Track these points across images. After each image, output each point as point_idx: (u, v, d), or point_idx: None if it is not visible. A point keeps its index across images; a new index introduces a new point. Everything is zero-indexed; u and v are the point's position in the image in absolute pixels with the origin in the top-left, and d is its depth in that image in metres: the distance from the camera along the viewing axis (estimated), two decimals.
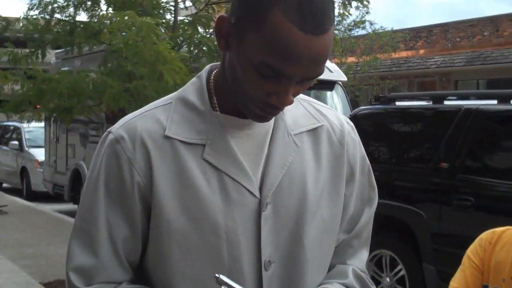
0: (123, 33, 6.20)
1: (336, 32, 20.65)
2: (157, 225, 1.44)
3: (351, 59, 22.27)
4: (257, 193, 1.46)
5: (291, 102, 1.38)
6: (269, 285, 1.47)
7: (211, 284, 1.39)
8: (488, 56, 20.91)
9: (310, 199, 1.51)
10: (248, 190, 1.46)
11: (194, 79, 1.55)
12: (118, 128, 1.49)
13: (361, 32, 22.31)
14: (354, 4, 8.18)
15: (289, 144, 1.52)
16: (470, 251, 2.33)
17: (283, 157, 1.50)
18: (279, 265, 1.48)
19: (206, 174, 1.44)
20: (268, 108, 1.39)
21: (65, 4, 7.63)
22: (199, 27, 6.94)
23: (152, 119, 1.49)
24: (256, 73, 1.34)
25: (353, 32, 22.29)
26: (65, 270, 1.49)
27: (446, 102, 6.38)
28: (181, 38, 7.18)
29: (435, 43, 23.79)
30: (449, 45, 23.24)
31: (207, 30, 7.13)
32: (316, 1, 1.30)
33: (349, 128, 1.64)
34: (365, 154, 1.68)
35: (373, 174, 1.69)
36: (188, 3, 8.26)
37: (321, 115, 1.61)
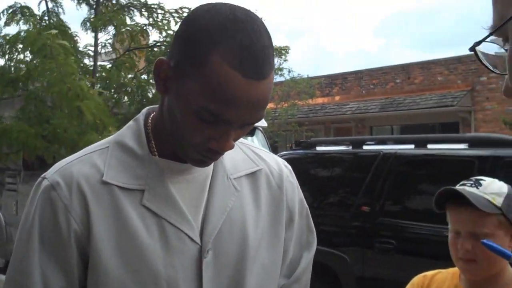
0: (46, 73, 6.11)
1: None
2: (94, 274, 1.38)
3: (269, 106, 22.52)
4: (197, 240, 1.43)
5: (231, 147, 1.36)
6: None
7: None
8: (401, 103, 21.52)
9: (251, 244, 1.49)
10: (189, 237, 1.42)
11: (130, 122, 1.51)
12: (53, 173, 1.44)
13: (279, 79, 22.69)
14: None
15: (228, 189, 1.50)
16: None
17: (223, 202, 1.48)
18: None
19: (145, 220, 1.40)
20: (208, 153, 1.38)
21: None
22: (122, 72, 6.93)
23: (88, 164, 1.44)
24: (196, 118, 1.31)
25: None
26: None
27: (365, 147, 6.52)
28: (101, 83, 7.15)
29: (350, 90, 24.36)
30: (363, 91, 23.83)
31: (128, 74, 7.12)
32: (257, 46, 1.28)
33: (287, 172, 1.63)
34: (303, 198, 1.67)
35: (311, 218, 1.69)
36: (108, 49, 8.25)
37: (260, 159, 1.61)
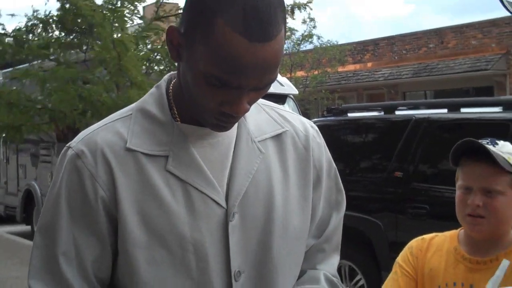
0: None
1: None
2: (123, 238, 1.40)
3: (300, 73, 22.43)
4: (223, 203, 1.44)
5: (246, 110, 1.35)
6: None
7: None
8: (434, 68, 21.28)
9: (277, 206, 1.49)
10: (214, 201, 1.43)
11: (153, 89, 1.52)
12: (78, 142, 1.45)
13: (308, 46, 22.54)
14: (300, 16, 8.34)
15: (253, 152, 1.50)
16: (401, 259, 2.32)
17: (248, 165, 1.48)
18: (249, 275, 1.45)
19: (170, 186, 1.41)
20: (223, 117, 1.37)
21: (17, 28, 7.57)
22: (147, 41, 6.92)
23: (112, 132, 1.45)
24: (207, 84, 1.31)
25: (301, 46, 22.51)
26: None
27: (397, 112, 6.47)
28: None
29: (382, 56, 24.13)
30: (396, 57, 23.59)
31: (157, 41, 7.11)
32: (261, 8, 1.26)
33: (314, 132, 1.62)
34: (331, 158, 1.66)
35: (339, 178, 1.68)
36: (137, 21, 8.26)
37: (285, 120, 1.60)
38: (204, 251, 1.41)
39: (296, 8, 9.14)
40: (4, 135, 8.15)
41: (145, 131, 1.45)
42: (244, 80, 1.29)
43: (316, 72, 22.20)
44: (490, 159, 2.10)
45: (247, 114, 1.48)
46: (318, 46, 22.27)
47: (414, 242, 2.35)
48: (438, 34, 22.46)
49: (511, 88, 19.73)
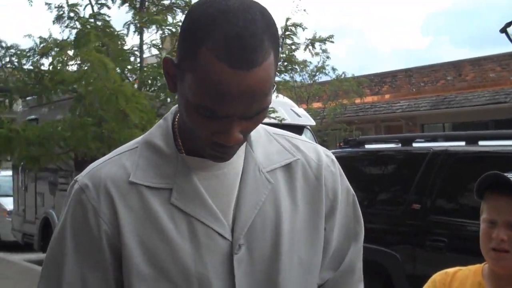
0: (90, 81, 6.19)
1: (299, 78, 20.96)
2: (128, 272, 1.39)
3: (316, 105, 22.46)
4: (228, 236, 1.41)
5: (239, 140, 1.33)
6: None
7: None
8: (452, 100, 21.22)
9: (285, 238, 1.45)
10: (219, 233, 1.41)
11: (160, 121, 1.52)
12: (84, 176, 1.46)
13: (324, 78, 22.57)
14: (316, 49, 8.35)
15: (261, 182, 1.47)
16: None
17: (255, 196, 1.45)
18: None
19: (174, 219, 1.40)
20: (216, 147, 1.36)
21: (30, 53, 7.62)
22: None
23: (117, 166, 1.45)
24: (197, 114, 1.31)
25: (316, 78, 22.56)
26: None
27: (414, 144, 6.47)
28: (149, 80, 7.17)
29: (400, 88, 24.13)
30: (414, 89, 23.58)
31: None
32: (244, 35, 1.24)
33: (328, 161, 1.58)
34: (349, 186, 1.63)
35: (358, 207, 1.64)
36: (154, 51, 8.30)
37: (297, 149, 1.56)
38: (209, 285, 1.39)
39: (317, 43, 9.21)
40: (22, 163, 8.19)
41: (149, 164, 1.44)
42: (231, 108, 1.27)
43: (333, 104, 22.21)
44: None
45: (255, 144, 1.48)
46: (335, 78, 22.31)
47: (437, 276, 2.32)
48: (456, 66, 22.44)
49: None
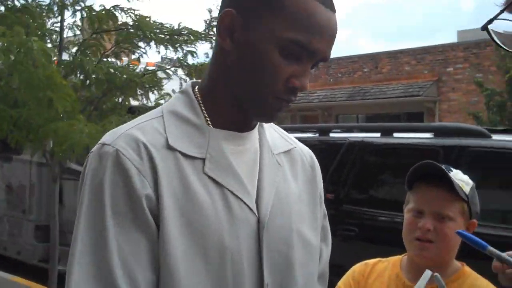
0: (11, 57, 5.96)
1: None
2: (163, 245, 1.30)
3: None
4: (255, 211, 1.40)
5: (307, 87, 1.36)
6: None
7: None
8: (368, 92, 21.62)
9: (296, 220, 1.47)
10: (249, 207, 1.39)
11: (178, 94, 1.48)
12: (116, 139, 1.34)
13: None
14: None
15: (274, 163, 1.49)
16: (342, 283, 2.31)
17: (272, 176, 1.46)
18: None
19: (208, 189, 1.36)
20: (286, 95, 1.36)
21: None
22: (87, 58, 6.75)
23: (150, 130, 1.37)
24: (278, 56, 1.32)
25: None
26: None
27: (331, 135, 6.53)
28: (72, 66, 6.99)
29: (318, 78, 24.40)
30: (331, 80, 23.89)
31: (95, 58, 6.97)
32: None
33: (314, 156, 1.64)
34: None
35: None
36: (77, 32, 8.07)
37: (291, 140, 1.61)
38: (240, 261, 1.36)
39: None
40: None
41: (181, 132, 1.39)
42: (321, 45, 1.33)
43: None
44: (445, 185, 2.12)
45: (264, 127, 1.51)
46: None
47: (357, 267, 2.33)
48: (373, 58, 22.84)
49: (440, 115, 20.19)
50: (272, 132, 1.56)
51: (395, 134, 5.98)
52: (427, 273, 1.94)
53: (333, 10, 1.35)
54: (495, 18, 0.89)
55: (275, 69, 1.33)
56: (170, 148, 1.35)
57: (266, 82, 1.35)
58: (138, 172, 1.31)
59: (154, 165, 1.32)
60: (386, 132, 6.04)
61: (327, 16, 1.33)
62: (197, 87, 1.49)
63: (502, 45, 0.93)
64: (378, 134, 6.09)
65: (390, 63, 22.16)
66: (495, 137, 5.34)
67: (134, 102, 7.01)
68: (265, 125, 1.53)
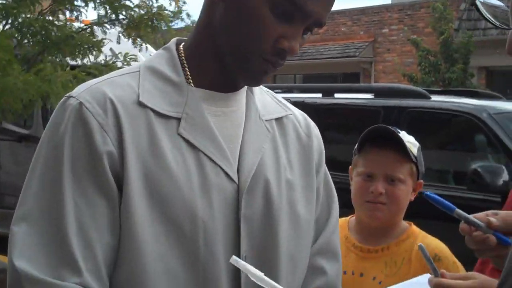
0: None
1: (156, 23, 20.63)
2: (126, 206, 1.23)
3: None
4: (235, 178, 1.31)
5: (297, 51, 1.30)
6: (246, 284, 1.29)
7: (185, 280, 1.25)
8: (305, 52, 21.69)
9: (283, 192, 1.38)
10: (227, 174, 1.31)
11: (160, 51, 1.39)
12: (81, 92, 1.27)
13: (180, 24, 22.34)
14: None
15: (261, 129, 1.40)
16: None
17: (257, 142, 1.37)
18: (253, 262, 1.27)
19: (181, 151, 1.27)
20: (274, 56, 1.29)
21: None
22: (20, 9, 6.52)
23: (121, 85, 1.30)
24: (269, 13, 1.25)
25: (172, 24, 22.30)
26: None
27: None
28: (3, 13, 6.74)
29: None
30: None
31: (28, 11, 6.73)
32: None
33: (313, 123, 1.56)
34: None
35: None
36: None
37: (286, 106, 1.51)
38: (214, 229, 1.28)
39: None
40: None
41: (156, 89, 1.31)
42: (316, 7, 1.27)
43: None
44: (395, 147, 2.13)
45: (254, 90, 1.43)
46: (190, 25, 22.10)
47: None
48: None
49: (376, 75, 20.44)
50: (265, 97, 1.48)
51: (336, 95, 6.03)
52: (423, 246, 1.85)
53: None
54: None
55: (264, 26, 1.26)
56: (140, 104, 1.28)
57: (253, 39, 1.28)
58: (100, 128, 1.24)
59: (119, 121, 1.25)
60: (327, 93, 6.08)
61: None
62: (182, 44, 1.41)
63: (493, 20, 0.91)
64: (319, 95, 6.13)
65: (327, 24, 21.78)
66: (434, 98, 5.45)
67: (73, 63, 6.83)
68: (257, 89, 1.45)
